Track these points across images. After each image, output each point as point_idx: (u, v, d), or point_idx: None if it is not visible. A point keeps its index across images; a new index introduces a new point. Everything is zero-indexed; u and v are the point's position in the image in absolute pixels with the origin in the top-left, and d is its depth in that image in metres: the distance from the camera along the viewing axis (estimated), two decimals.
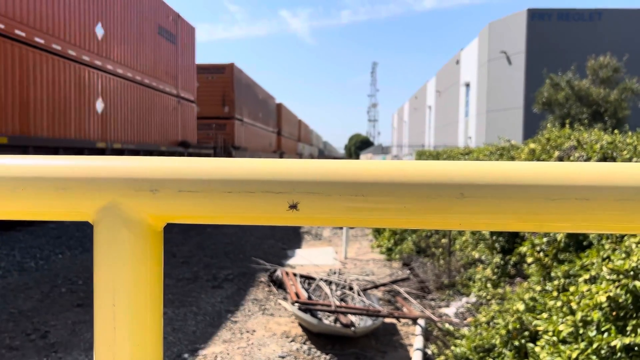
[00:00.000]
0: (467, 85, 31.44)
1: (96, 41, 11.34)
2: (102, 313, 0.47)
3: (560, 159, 4.57)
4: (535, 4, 28.73)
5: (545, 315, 3.19)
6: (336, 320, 4.74)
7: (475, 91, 29.02)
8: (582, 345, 2.61)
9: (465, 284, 5.93)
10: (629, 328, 2.50)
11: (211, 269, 7.14)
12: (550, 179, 0.44)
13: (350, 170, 0.46)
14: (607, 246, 3.27)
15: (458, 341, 4.08)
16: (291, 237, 10.37)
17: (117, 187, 0.47)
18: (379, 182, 0.45)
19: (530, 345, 3.17)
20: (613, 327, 2.55)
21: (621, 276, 2.66)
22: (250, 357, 4.22)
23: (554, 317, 3.02)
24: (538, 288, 3.76)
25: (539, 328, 3.12)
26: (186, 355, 4.20)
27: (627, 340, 2.40)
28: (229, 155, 21.56)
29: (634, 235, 2.94)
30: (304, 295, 5.28)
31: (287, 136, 40.84)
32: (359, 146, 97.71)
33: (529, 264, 4.45)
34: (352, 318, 4.82)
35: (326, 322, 4.69)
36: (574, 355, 2.59)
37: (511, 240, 5.55)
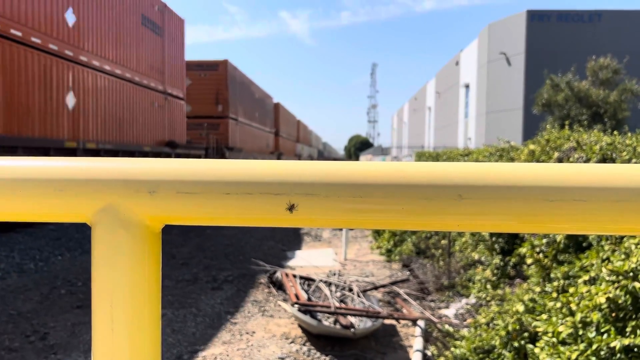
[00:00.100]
0: (467, 86, 31.46)
1: (66, 28, 10.05)
2: (100, 314, 0.47)
3: (560, 160, 4.57)
4: (534, 5, 28.79)
5: (544, 316, 3.19)
6: (336, 321, 4.73)
7: (475, 92, 29.04)
8: (582, 346, 2.60)
9: (465, 285, 5.92)
10: (628, 329, 2.50)
11: (211, 270, 7.14)
12: (549, 180, 0.44)
13: (348, 171, 0.46)
14: (606, 247, 3.27)
15: (458, 342, 4.07)
16: (291, 239, 10.36)
17: (115, 188, 0.47)
18: (377, 183, 0.45)
19: (530, 346, 3.17)
20: (612, 328, 2.55)
21: (620, 277, 2.66)
22: (249, 359, 4.21)
23: (554, 318, 3.02)
24: (538, 289, 3.76)
25: (538, 329, 3.12)
26: (186, 357, 4.20)
27: (626, 342, 2.40)
28: (222, 156, 20.44)
29: (634, 236, 2.94)
30: (303, 296, 5.28)
31: (285, 137, 40.04)
32: (358, 147, 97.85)
33: (529, 265, 4.45)
34: (352, 319, 4.82)
35: (326, 323, 4.69)
36: (574, 356, 2.59)
37: (511, 242, 5.55)
